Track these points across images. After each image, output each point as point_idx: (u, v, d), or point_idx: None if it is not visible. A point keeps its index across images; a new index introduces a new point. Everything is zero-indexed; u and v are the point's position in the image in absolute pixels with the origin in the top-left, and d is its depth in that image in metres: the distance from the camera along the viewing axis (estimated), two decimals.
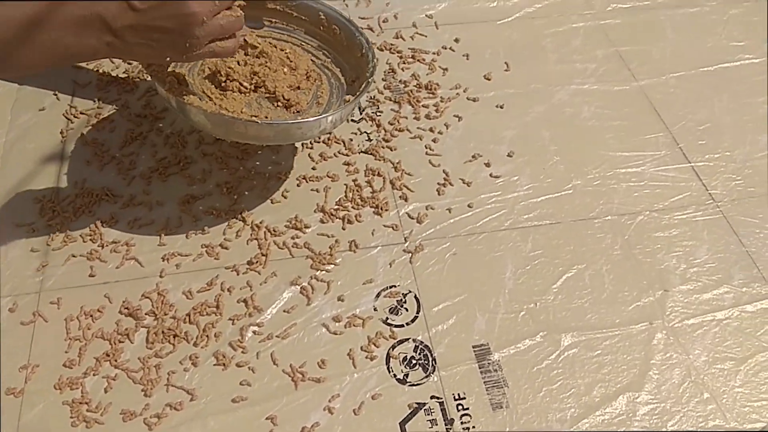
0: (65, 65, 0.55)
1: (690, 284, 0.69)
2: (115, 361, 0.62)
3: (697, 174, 0.79)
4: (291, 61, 0.72)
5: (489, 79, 0.89)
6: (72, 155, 0.78)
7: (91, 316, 0.65)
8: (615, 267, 0.70)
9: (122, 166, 0.77)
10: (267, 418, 0.59)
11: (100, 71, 0.88)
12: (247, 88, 0.70)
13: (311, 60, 0.76)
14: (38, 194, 0.73)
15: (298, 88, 0.72)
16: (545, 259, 0.70)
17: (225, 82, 0.69)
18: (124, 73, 0.87)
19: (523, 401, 0.60)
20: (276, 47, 0.73)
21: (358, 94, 0.68)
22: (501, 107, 0.86)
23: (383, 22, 0.97)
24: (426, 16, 0.98)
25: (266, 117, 0.68)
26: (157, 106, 0.84)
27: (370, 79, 0.70)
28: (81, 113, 0.82)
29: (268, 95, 0.70)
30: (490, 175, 0.78)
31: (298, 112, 0.71)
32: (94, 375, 0.61)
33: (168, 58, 0.57)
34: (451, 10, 0.99)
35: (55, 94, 0.84)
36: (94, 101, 0.84)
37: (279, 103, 0.70)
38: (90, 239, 0.70)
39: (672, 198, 0.77)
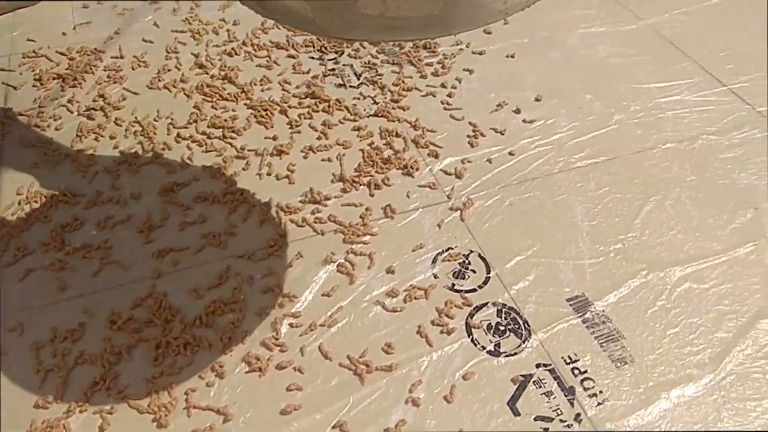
0: None
1: None
2: (108, 389, 0.45)
3: (738, 96, 0.72)
4: None
5: (489, 33, 0.80)
6: (12, 161, 0.62)
7: (67, 337, 0.48)
8: (694, 192, 0.60)
9: (79, 163, 0.61)
10: (334, 427, 0.43)
11: (37, 70, 0.73)
12: None
13: None
14: None
15: None
16: (616, 195, 0.60)
17: None
18: (66, 69, 0.73)
19: (648, 351, 0.48)
20: None
21: None
22: (512, 56, 0.76)
23: None
24: None
25: None
26: (113, 96, 0.69)
27: None
28: (20, 114, 0.67)
29: None
30: (523, 120, 0.67)
31: None
32: (81, 412, 0.44)
33: None
34: None
35: None
36: (34, 101, 0.69)
37: None
38: (53, 248, 0.54)
39: (723, 120, 0.69)
